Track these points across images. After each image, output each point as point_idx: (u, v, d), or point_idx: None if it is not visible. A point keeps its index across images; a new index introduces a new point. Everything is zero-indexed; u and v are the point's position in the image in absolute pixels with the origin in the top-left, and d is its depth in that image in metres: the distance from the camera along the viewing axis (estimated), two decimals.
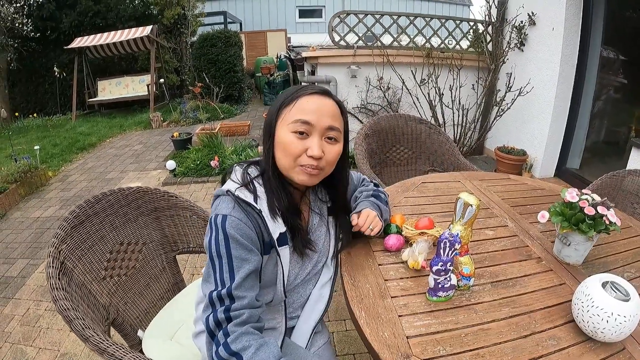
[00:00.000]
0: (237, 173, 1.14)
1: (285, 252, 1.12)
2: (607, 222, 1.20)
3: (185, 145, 6.02)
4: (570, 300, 1.07)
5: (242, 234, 1.01)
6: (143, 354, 1.43)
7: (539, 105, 4.56)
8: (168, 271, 1.79)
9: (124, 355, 1.04)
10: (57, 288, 1.17)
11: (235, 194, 1.05)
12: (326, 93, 1.13)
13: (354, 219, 1.33)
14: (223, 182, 1.14)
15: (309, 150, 1.06)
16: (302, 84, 5.98)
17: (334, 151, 1.12)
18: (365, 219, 1.31)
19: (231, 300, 0.96)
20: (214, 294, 0.97)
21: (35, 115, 9.23)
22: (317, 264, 1.29)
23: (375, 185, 1.53)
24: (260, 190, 1.11)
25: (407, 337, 1.01)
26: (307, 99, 1.08)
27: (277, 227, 1.09)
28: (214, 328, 0.94)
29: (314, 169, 1.08)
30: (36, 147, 5.40)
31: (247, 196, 1.06)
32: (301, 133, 1.06)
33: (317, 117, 1.07)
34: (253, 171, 1.15)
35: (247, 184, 1.10)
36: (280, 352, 0.95)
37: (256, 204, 1.06)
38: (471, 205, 1.14)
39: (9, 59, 9.55)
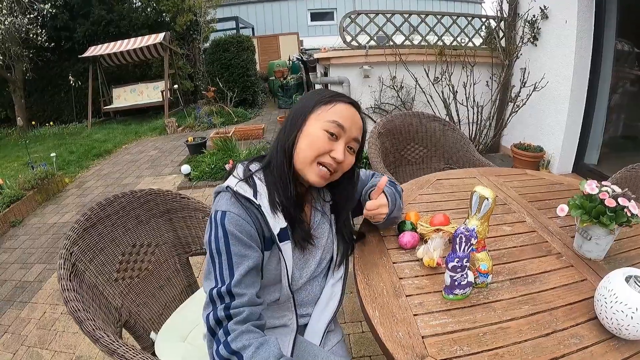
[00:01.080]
0: (239, 170, 1.15)
1: (287, 247, 1.12)
2: (629, 214, 1.15)
3: (200, 149, 6.05)
4: (593, 297, 1.03)
5: (241, 230, 1.01)
6: (155, 356, 1.43)
7: (554, 100, 4.47)
8: (181, 273, 1.78)
9: (134, 356, 1.03)
10: (68, 289, 1.17)
11: (235, 189, 1.06)
12: (358, 107, 1.19)
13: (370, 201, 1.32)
14: (226, 178, 1.14)
15: (334, 152, 1.10)
16: (316, 86, 5.97)
17: (349, 160, 1.17)
18: (377, 207, 1.29)
19: (231, 298, 0.96)
20: (214, 291, 0.97)
21: (51, 123, 9.37)
22: (321, 262, 1.29)
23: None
24: (261, 185, 1.11)
25: (423, 337, 0.98)
26: (345, 107, 1.14)
27: (277, 223, 1.09)
28: (214, 326, 0.94)
29: (328, 171, 1.11)
30: (52, 155, 5.48)
31: (247, 191, 1.07)
32: (332, 134, 1.10)
33: (350, 125, 1.12)
34: (254, 166, 1.17)
35: (247, 178, 1.10)
36: (280, 351, 0.94)
37: (256, 199, 1.06)
38: (487, 198, 1.11)
39: (24, 69, 9.70)
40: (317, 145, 1.09)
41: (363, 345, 2.26)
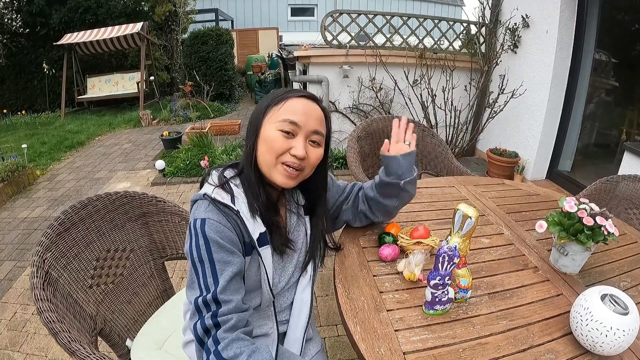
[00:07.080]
0: (213, 177, 1.13)
1: (266, 252, 1.12)
2: (606, 233, 1.18)
3: (174, 144, 5.95)
4: (568, 312, 1.06)
5: (222, 236, 1.00)
6: None
7: (531, 107, 4.56)
8: (156, 278, 1.74)
9: None
10: (41, 299, 1.13)
11: (212, 196, 1.05)
12: (314, 98, 1.15)
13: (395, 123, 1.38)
14: (201, 186, 1.13)
15: (293, 149, 1.07)
16: (294, 83, 5.95)
17: (316, 154, 1.14)
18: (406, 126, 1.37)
19: (217, 305, 0.95)
20: (199, 300, 0.95)
21: (23, 112, 9.12)
22: (299, 265, 1.28)
23: None
24: (238, 191, 1.10)
25: (404, 353, 0.98)
26: (297, 101, 1.10)
27: (256, 228, 1.08)
28: (202, 335, 0.93)
29: (294, 169, 1.09)
30: (24, 146, 5.32)
31: (225, 198, 1.06)
32: (287, 132, 1.07)
33: (304, 119, 1.09)
34: (229, 173, 1.15)
35: (223, 184, 1.09)
36: (272, 358, 0.94)
37: (234, 205, 1.05)
38: (470, 217, 1.12)
39: None
40: (274, 147, 1.07)
41: (339, 349, 2.27)
